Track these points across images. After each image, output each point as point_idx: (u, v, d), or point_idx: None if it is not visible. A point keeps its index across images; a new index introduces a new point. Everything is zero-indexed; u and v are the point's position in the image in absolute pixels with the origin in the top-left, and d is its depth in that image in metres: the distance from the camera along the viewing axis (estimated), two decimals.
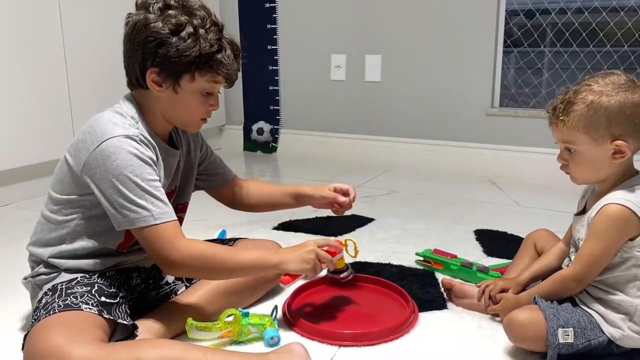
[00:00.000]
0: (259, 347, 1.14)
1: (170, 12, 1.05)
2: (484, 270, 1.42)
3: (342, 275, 1.27)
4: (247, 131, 3.26)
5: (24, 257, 1.19)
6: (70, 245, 1.12)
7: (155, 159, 1.09)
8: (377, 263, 1.58)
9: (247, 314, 1.15)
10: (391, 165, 2.78)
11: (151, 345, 0.98)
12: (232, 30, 3.10)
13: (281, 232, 1.84)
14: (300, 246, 1.16)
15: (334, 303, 1.33)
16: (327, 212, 2.02)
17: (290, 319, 1.24)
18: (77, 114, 2.26)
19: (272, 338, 1.14)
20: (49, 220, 1.13)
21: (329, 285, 1.39)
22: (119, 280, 1.17)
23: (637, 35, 2.36)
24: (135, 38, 1.06)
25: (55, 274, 1.12)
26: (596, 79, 1.05)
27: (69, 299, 1.04)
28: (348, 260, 1.28)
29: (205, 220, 1.50)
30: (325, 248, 1.19)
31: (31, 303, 1.17)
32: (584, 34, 2.45)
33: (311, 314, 1.25)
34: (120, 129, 1.04)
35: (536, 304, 1.09)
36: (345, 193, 1.41)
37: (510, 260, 1.41)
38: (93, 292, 1.08)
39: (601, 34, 2.42)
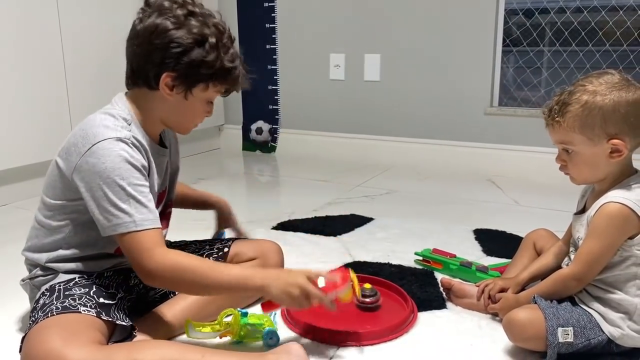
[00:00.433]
0: (257, 347, 1.14)
1: (192, 22, 1.06)
2: (483, 269, 1.42)
3: (367, 300, 1.25)
4: (246, 131, 3.26)
5: (22, 258, 1.18)
6: (66, 250, 1.11)
7: (146, 164, 1.08)
8: (376, 263, 1.58)
9: (245, 314, 1.15)
10: (390, 164, 2.77)
11: (149, 347, 0.97)
12: (232, 29, 3.12)
13: (280, 232, 1.84)
14: (289, 274, 1.07)
15: None
16: (326, 212, 2.04)
17: (289, 318, 1.24)
18: (75, 113, 2.26)
19: (271, 338, 1.14)
20: (43, 225, 1.13)
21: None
22: (117, 281, 1.16)
23: (636, 34, 2.36)
24: (155, 40, 1.05)
25: (52, 275, 1.12)
26: (590, 79, 1.06)
27: (67, 300, 1.04)
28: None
29: (204, 220, 1.49)
30: (322, 280, 1.07)
31: (30, 304, 1.17)
32: (583, 33, 2.45)
33: (310, 314, 1.25)
34: (111, 132, 1.04)
35: (536, 303, 1.09)
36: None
37: (510, 260, 1.41)
38: (91, 294, 1.07)
39: (600, 33, 2.41)
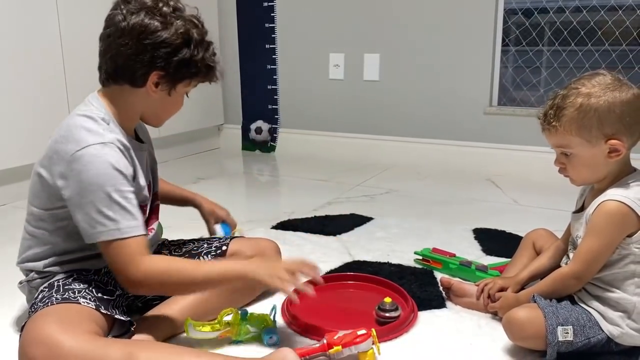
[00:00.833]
0: (257, 346, 1.14)
1: (178, 21, 1.07)
2: (483, 269, 1.42)
3: (387, 315, 1.21)
4: (245, 130, 3.26)
5: None
6: (62, 256, 1.11)
7: (131, 167, 1.07)
8: (376, 262, 1.58)
9: (245, 314, 1.15)
10: (390, 164, 2.78)
11: (146, 348, 0.97)
12: (231, 29, 3.12)
13: (280, 232, 1.84)
14: (270, 260, 1.20)
15: (333, 302, 1.33)
16: (325, 212, 2.05)
17: (289, 318, 1.24)
18: None
19: (270, 337, 1.14)
20: (34, 235, 1.13)
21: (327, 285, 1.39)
22: (114, 278, 1.16)
23: (635, 34, 2.36)
24: (145, 40, 1.05)
25: (50, 275, 1.11)
26: (582, 81, 1.06)
27: (67, 293, 1.04)
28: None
29: (202, 220, 1.50)
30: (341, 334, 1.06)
31: (28, 305, 1.16)
32: (582, 33, 2.45)
33: (310, 313, 1.25)
34: (95, 137, 1.03)
35: (535, 302, 1.09)
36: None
37: (509, 259, 1.41)
38: (90, 288, 1.08)
39: (599, 33, 2.42)
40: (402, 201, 2.22)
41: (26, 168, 2.14)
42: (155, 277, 1.03)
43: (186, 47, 1.07)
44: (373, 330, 1.07)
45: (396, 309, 1.22)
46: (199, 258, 1.28)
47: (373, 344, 1.05)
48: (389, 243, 1.73)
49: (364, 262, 1.58)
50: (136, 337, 1.07)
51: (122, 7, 1.07)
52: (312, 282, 1.38)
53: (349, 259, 1.61)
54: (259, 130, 3.21)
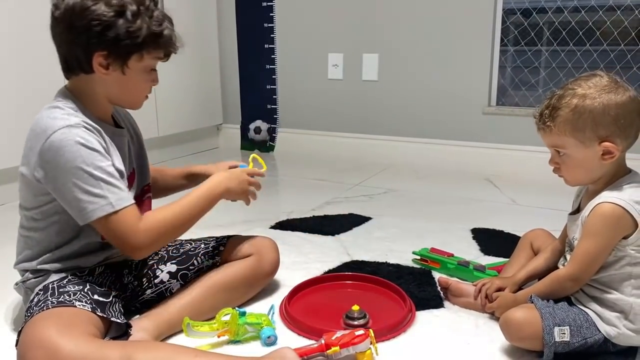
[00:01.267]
0: (255, 346, 1.14)
1: None
2: (481, 269, 1.43)
3: (355, 324, 1.20)
4: (244, 130, 3.26)
5: None
6: (55, 250, 1.11)
7: (104, 144, 1.06)
8: (374, 262, 1.58)
9: (244, 313, 1.15)
10: (388, 164, 2.78)
11: (143, 347, 0.97)
12: (230, 29, 3.13)
13: (278, 231, 1.84)
14: (230, 173, 1.25)
15: (331, 302, 1.34)
16: (324, 211, 2.05)
17: (287, 318, 1.24)
18: None
19: (269, 337, 1.14)
20: (28, 236, 1.13)
21: (325, 284, 1.40)
22: (110, 279, 1.17)
23: (633, 34, 2.36)
24: (76, 22, 1.02)
25: (44, 276, 1.11)
26: (579, 82, 1.06)
27: (62, 296, 1.04)
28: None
29: (201, 220, 1.50)
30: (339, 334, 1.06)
31: (25, 306, 1.16)
32: (580, 33, 2.45)
33: (308, 313, 1.25)
34: (60, 122, 1.02)
35: (532, 302, 1.09)
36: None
37: (507, 259, 1.41)
38: (85, 291, 1.07)
39: (598, 33, 2.42)
40: (401, 201, 2.22)
41: None
42: (155, 235, 1.06)
43: (120, 18, 1.01)
44: (371, 330, 1.07)
45: (364, 317, 1.21)
46: (196, 259, 1.28)
47: (371, 344, 1.06)
48: (387, 243, 1.73)
49: (363, 261, 1.59)
50: (134, 337, 1.07)
51: None
52: (311, 282, 1.39)
53: (347, 259, 1.61)
54: (258, 130, 3.21)
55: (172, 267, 1.26)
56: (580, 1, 2.45)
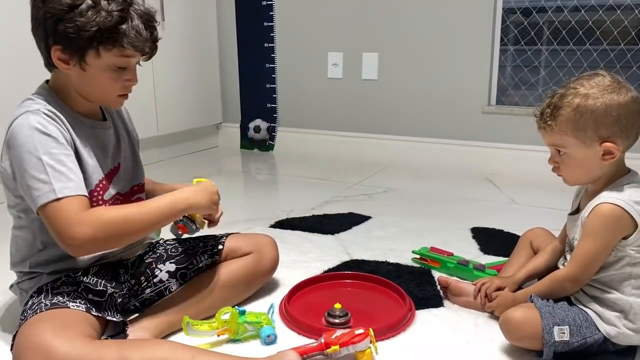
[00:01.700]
0: (255, 345, 1.14)
1: None
2: (480, 268, 1.43)
3: (337, 322, 1.19)
4: (244, 129, 3.26)
5: None
6: (44, 251, 1.10)
7: (67, 134, 1.03)
8: (374, 261, 1.58)
9: (243, 312, 1.15)
10: (388, 163, 2.78)
11: (140, 345, 0.97)
12: (230, 28, 3.12)
13: (278, 230, 1.84)
14: (201, 187, 1.16)
15: (331, 301, 1.33)
16: (324, 210, 2.05)
17: (287, 317, 1.24)
18: None
19: (268, 336, 1.14)
20: (18, 236, 1.12)
21: (325, 284, 1.39)
22: (105, 278, 1.15)
23: (633, 33, 2.36)
24: (36, 14, 1.01)
25: (38, 278, 1.10)
26: (581, 82, 1.05)
27: (55, 298, 1.03)
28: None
29: None
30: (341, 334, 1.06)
31: (20, 308, 1.16)
32: (580, 32, 2.45)
33: (308, 312, 1.25)
34: (22, 109, 1.01)
35: (532, 302, 1.09)
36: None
37: (507, 259, 1.41)
38: (79, 291, 1.07)
39: (598, 32, 2.42)
40: (400, 200, 2.22)
41: None
42: (101, 229, 0.98)
43: (72, 10, 0.97)
44: (370, 329, 1.07)
45: (345, 315, 1.21)
46: (195, 258, 1.28)
47: (371, 343, 1.06)
48: (387, 242, 1.73)
49: (362, 261, 1.59)
50: (134, 336, 1.07)
51: None
52: (311, 281, 1.39)
53: (347, 258, 1.61)
54: (257, 129, 3.21)
55: (171, 267, 1.25)
56: (580, 0, 2.45)
